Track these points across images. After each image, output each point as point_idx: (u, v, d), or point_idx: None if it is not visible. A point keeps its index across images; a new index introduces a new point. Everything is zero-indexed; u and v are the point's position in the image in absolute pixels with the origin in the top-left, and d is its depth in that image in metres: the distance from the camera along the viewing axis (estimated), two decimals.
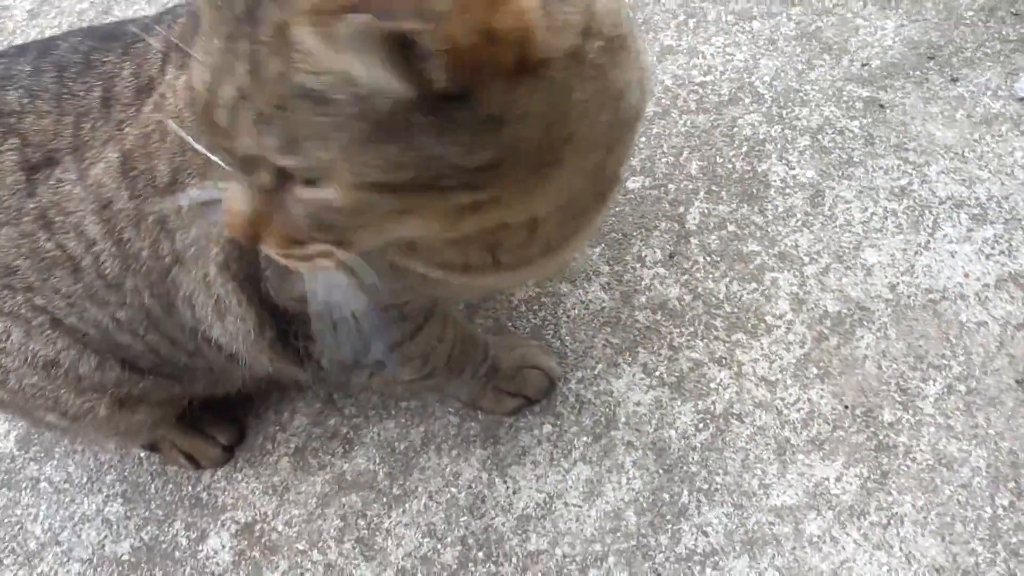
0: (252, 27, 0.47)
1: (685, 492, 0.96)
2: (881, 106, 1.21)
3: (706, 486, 0.96)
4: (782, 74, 1.28)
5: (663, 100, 1.30)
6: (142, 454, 1.15)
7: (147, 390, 0.95)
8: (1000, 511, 0.88)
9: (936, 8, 1.29)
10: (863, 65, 1.26)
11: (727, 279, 1.10)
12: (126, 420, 0.96)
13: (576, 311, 1.13)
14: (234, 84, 0.49)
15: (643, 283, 1.13)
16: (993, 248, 1.05)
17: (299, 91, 0.46)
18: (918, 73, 1.23)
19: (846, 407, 0.98)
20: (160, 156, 0.75)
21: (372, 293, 0.83)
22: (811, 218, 1.13)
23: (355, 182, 0.50)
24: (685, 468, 0.98)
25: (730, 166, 1.20)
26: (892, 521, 0.90)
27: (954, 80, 1.21)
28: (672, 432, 1.01)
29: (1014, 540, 0.87)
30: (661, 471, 0.98)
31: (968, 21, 1.26)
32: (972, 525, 0.88)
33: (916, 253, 1.07)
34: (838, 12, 1.33)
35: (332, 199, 0.51)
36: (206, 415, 1.11)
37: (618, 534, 0.95)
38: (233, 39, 0.48)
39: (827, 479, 0.93)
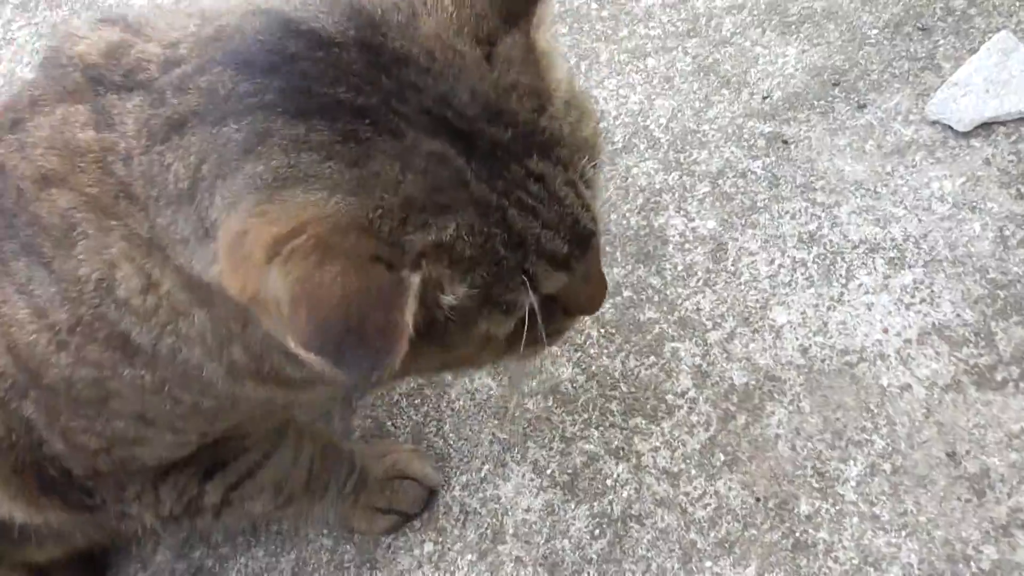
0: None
1: None
2: (785, 142, 1.10)
3: None
4: (679, 114, 1.17)
5: None
6: None
7: None
8: None
9: (839, 30, 1.18)
10: (764, 98, 1.15)
11: (623, 354, 0.98)
12: None
13: (461, 402, 1.00)
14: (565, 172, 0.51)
15: (534, 364, 1.00)
16: (913, 296, 0.93)
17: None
18: (823, 102, 1.12)
19: (758, 499, 0.85)
20: None
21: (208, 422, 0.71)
22: (713, 276, 1.01)
23: None
24: None
25: (625, 223, 1.09)
26: None
27: (861, 107, 1.10)
28: (565, 542, 0.88)
29: None
30: None
31: (873, 40, 1.16)
32: None
33: (829, 308, 0.95)
34: (736, 42, 1.22)
35: None
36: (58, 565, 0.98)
37: None
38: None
39: None
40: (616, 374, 0.97)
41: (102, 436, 0.67)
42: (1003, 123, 1.02)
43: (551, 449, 0.94)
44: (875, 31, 1.17)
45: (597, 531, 0.87)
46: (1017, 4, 1.12)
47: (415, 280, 0.45)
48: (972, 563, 0.77)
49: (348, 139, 0.47)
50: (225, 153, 0.48)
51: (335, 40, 0.49)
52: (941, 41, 1.12)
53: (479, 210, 0.48)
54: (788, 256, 1.00)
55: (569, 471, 0.92)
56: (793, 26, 1.21)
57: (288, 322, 0.42)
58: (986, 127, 1.02)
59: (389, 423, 1.02)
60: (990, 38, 1.07)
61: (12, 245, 0.59)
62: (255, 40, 0.50)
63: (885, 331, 0.92)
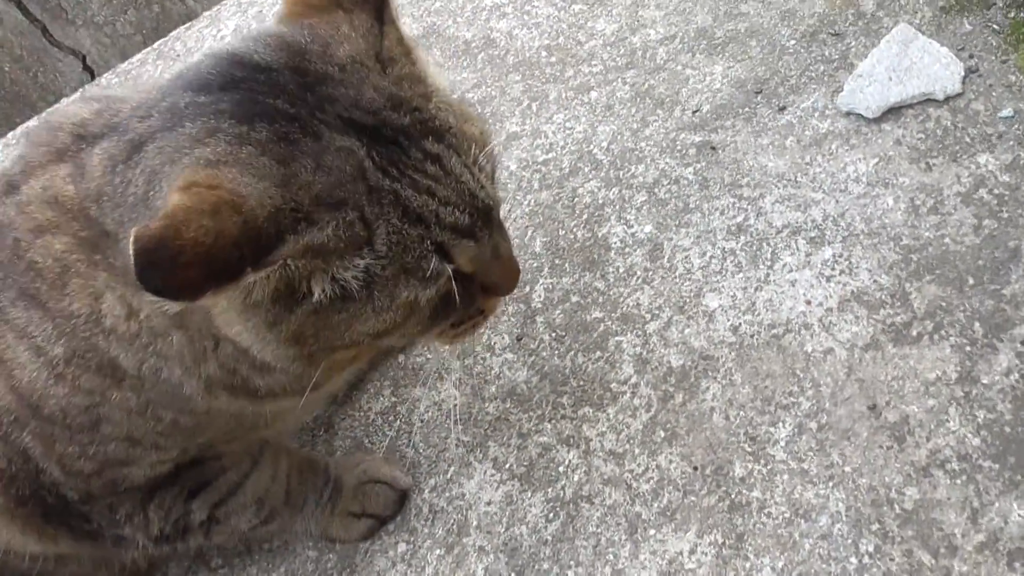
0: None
1: None
2: (713, 148, 1.18)
3: None
4: (619, 137, 1.27)
5: (509, 185, 1.29)
6: None
7: None
8: (866, 559, 0.78)
9: (760, 45, 1.28)
10: (694, 112, 1.24)
11: (572, 352, 1.05)
12: None
13: (430, 414, 1.08)
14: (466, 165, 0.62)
15: (493, 372, 1.08)
16: (833, 269, 0.99)
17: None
18: (747, 109, 1.20)
19: (695, 468, 0.90)
20: None
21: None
22: (651, 273, 1.08)
23: None
24: (537, 566, 0.90)
25: (572, 236, 1.17)
26: None
27: (782, 109, 1.18)
28: (523, 528, 0.93)
29: None
30: (513, 574, 0.90)
31: (791, 50, 1.25)
32: None
33: (756, 289, 1.01)
34: (669, 67, 1.33)
35: None
36: None
37: None
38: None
39: (681, 553, 0.85)
40: (566, 371, 1.04)
41: (95, 459, 0.75)
42: (910, 106, 1.09)
43: (509, 446, 1.00)
44: (793, 42, 1.26)
45: (551, 514, 0.93)
46: (921, 1, 1.20)
47: (249, 279, 0.53)
48: (896, 505, 0.80)
49: (281, 139, 0.57)
50: (179, 145, 0.58)
51: (271, 67, 0.61)
52: (852, 43, 1.21)
53: (371, 198, 0.58)
54: (718, 247, 1.07)
55: (525, 463, 0.98)
56: (719, 47, 1.31)
57: (148, 228, 0.50)
58: (895, 111, 1.09)
59: (366, 440, 1.09)
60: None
61: (9, 294, 0.69)
62: (208, 71, 0.62)
63: (808, 303, 0.97)
